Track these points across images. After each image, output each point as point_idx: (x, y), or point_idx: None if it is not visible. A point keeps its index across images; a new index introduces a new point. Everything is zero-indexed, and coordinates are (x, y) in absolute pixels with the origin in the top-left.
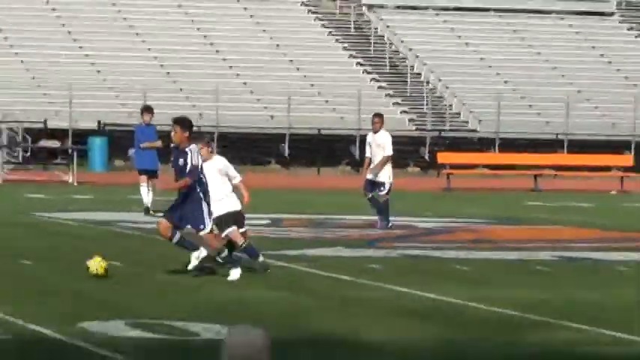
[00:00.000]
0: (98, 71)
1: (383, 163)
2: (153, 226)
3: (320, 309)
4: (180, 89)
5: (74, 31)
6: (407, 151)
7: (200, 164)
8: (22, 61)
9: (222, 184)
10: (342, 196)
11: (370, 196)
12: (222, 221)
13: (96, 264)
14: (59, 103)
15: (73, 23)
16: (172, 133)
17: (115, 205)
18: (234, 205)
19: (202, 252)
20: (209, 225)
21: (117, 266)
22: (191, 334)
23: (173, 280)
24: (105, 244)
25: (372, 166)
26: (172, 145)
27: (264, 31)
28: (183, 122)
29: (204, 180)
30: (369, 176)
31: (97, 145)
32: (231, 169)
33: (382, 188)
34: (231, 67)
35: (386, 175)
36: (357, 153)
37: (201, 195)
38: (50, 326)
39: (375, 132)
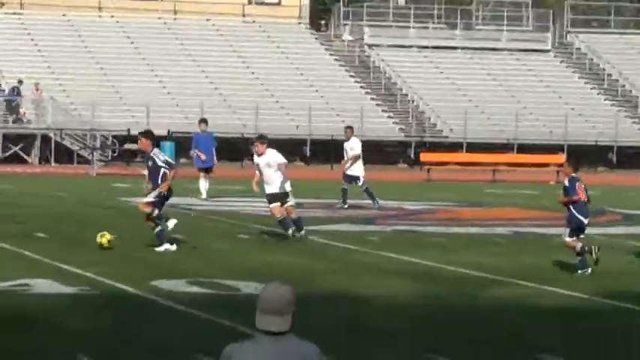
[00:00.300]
0: (168, 92)
1: (354, 160)
2: (207, 208)
3: (331, 270)
4: (229, 106)
5: (151, 62)
6: (397, 152)
7: (165, 160)
8: (112, 85)
9: (273, 172)
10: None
11: (345, 187)
12: (270, 198)
13: (102, 238)
14: (139, 116)
15: (151, 56)
16: (139, 142)
17: (178, 192)
18: (282, 188)
19: (171, 248)
20: (150, 199)
21: (179, 238)
22: (235, 290)
23: (221, 248)
24: None
25: (353, 168)
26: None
27: (291, 64)
28: (145, 134)
29: (163, 176)
30: (347, 172)
31: (167, 147)
32: (278, 158)
33: (358, 181)
34: (267, 89)
35: (359, 170)
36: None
37: (159, 181)
38: (129, 284)
39: (348, 139)
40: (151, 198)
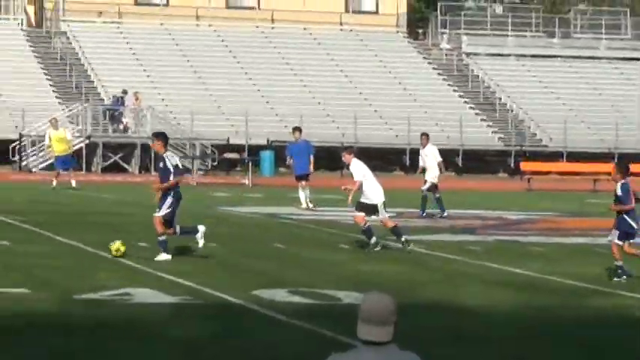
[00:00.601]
0: (267, 102)
1: (440, 167)
2: (307, 217)
3: (431, 280)
4: (328, 115)
5: (249, 71)
6: (497, 162)
7: (176, 165)
8: (211, 94)
9: (363, 182)
10: (447, 195)
11: (438, 196)
12: (356, 206)
13: (116, 247)
14: (238, 125)
15: (248, 65)
16: (151, 144)
17: (279, 201)
18: (368, 199)
19: (201, 229)
20: (162, 212)
21: (279, 248)
22: (336, 300)
23: (322, 257)
24: (271, 231)
25: (426, 173)
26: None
27: (389, 72)
28: (158, 136)
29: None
30: (435, 180)
31: (266, 156)
32: (354, 172)
33: (424, 184)
34: (365, 99)
35: (429, 176)
36: (460, 162)
37: (171, 190)
38: (231, 293)
39: (424, 147)
40: (164, 211)
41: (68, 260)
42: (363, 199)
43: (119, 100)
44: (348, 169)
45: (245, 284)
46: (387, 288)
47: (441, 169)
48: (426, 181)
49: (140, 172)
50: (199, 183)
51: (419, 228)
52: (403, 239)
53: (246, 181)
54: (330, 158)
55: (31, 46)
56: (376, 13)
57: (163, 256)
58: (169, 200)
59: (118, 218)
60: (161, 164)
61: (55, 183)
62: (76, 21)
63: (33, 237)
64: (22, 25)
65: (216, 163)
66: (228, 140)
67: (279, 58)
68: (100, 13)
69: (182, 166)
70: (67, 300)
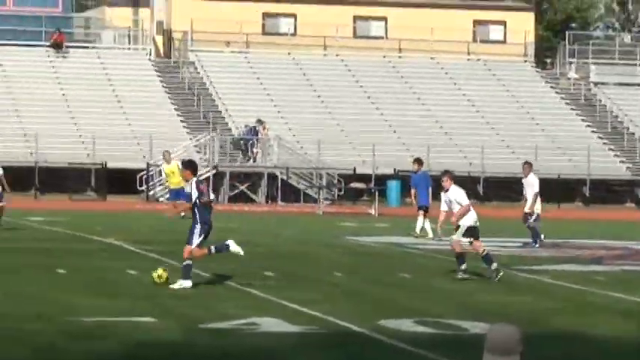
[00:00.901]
0: (394, 131)
1: (534, 198)
2: (432, 247)
3: (557, 310)
4: (455, 144)
5: (376, 101)
6: (624, 191)
7: (196, 193)
8: (338, 124)
9: (456, 207)
10: (576, 224)
11: (528, 224)
12: (458, 230)
13: (157, 274)
14: (365, 155)
15: (375, 95)
16: (181, 172)
17: (405, 231)
18: (464, 222)
19: (185, 284)
20: (195, 243)
21: (405, 277)
22: (461, 330)
23: (446, 287)
24: (397, 261)
25: (527, 203)
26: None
27: (517, 102)
28: (185, 165)
29: (197, 206)
30: (526, 210)
31: (393, 186)
32: (459, 197)
33: (530, 217)
34: (493, 128)
35: (535, 207)
36: (587, 192)
37: (197, 217)
38: (355, 322)
39: (526, 176)
40: (197, 241)
41: (193, 289)
42: (462, 222)
43: (252, 130)
44: (444, 193)
45: (370, 314)
46: (512, 317)
47: (535, 201)
48: (532, 214)
49: (267, 201)
50: (325, 212)
51: (544, 258)
52: (463, 267)
53: (373, 211)
54: None
55: (159, 76)
56: (504, 42)
57: (184, 283)
58: (198, 229)
59: (244, 248)
60: (187, 189)
61: (183, 213)
62: (203, 51)
63: (159, 266)
64: (150, 55)
65: (342, 193)
66: (354, 170)
67: (406, 88)
68: (228, 43)
69: (201, 192)
70: (193, 329)
